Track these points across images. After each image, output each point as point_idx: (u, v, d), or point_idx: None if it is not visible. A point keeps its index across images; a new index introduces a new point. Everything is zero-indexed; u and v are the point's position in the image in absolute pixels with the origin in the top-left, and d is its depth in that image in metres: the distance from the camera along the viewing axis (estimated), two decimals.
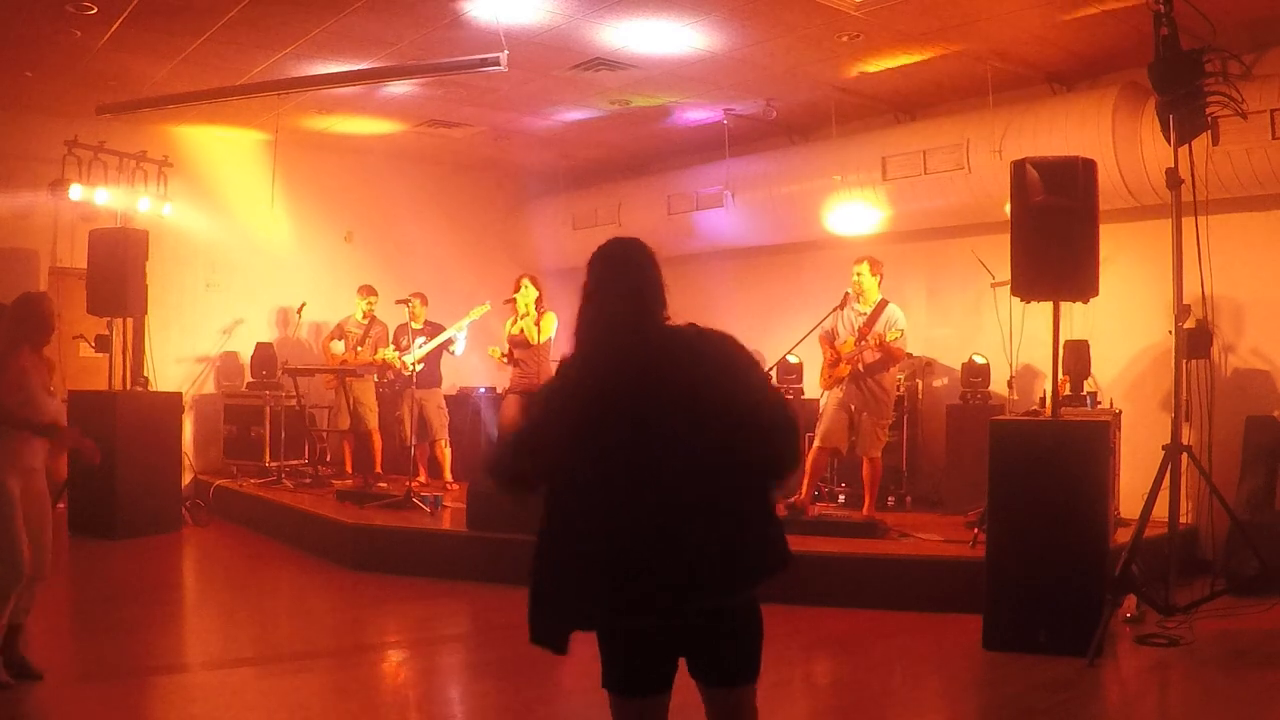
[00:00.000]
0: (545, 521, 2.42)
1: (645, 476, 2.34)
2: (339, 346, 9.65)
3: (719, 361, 2.46)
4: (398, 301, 8.96)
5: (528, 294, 8.31)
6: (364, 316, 9.70)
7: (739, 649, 2.49)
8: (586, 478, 2.37)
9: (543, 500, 2.44)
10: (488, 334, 9.28)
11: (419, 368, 8.92)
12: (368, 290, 9.72)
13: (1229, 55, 5.28)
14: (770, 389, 2.60)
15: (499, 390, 10.56)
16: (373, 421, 9.51)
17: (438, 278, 10.23)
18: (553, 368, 2.62)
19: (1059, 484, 5.22)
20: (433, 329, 9.22)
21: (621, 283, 2.50)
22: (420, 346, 8.96)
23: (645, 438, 2.35)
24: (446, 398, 9.72)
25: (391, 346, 9.34)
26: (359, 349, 9.58)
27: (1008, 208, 5.63)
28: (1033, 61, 7.71)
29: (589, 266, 2.55)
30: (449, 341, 9.09)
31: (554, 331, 8.30)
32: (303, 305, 10.09)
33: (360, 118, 9.71)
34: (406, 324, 9.12)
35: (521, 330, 8.30)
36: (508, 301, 8.40)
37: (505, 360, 8.51)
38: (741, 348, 2.52)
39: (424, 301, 9.37)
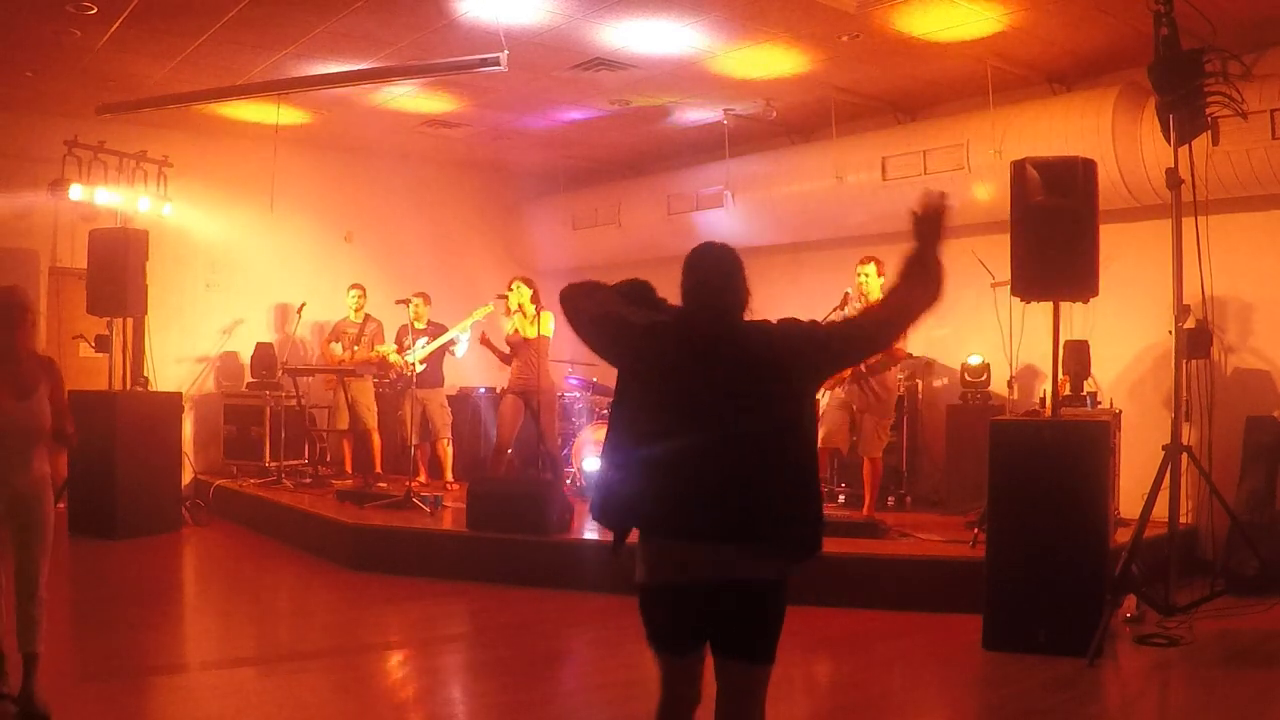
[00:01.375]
0: (628, 442, 2.71)
1: (727, 434, 2.61)
2: (338, 349, 9.66)
3: (787, 346, 2.72)
4: (398, 301, 8.96)
5: (520, 293, 8.33)
6: (356, 314, 9.71)
7: (765, 628, 2.67)
8: (670, 425, 2.64)
9: (624, 425, 2.75)
10: (491, 334, 9.26)
11: (421, 368, 8.93)
12: (356, 287, 9.76)
13: (1229, 55, 5.27)
14: (833, 326, 3.06)
15: (499, 390, 10.56)
16: (372, 421, 9.51)
17: (438, 278, 10.22)
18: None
19: (1059, 484, 5.22)
20: (435, 329, 9.22)
21: (717, 278, 2.81)
22: (422, 346, 8.97)
23: (731, 405, 2.63)
24: (447, 397, 9.72)
25: (393, 346, 9.33)
26: (355, 348, 9.59)
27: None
28: (1033, 61, 7.71)
29: (687, 264, 2.84)
30: (451, 343, 9.09)
31: (552, 330, 8.31)
32: (303, 305, 10.09)
33: (360, 117, 9.70)
34: (409, 324, 9.12)
35: (516, 329, 8.33)
36: (500, 297, 8.43)
37: (501, 360, 8.60)
38: (798, 324, 2.79)
39: (427, 301, 9.37)
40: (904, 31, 7.05)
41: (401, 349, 9.16)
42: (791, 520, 2.66)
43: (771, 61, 7.84)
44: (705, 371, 2.66)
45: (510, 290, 8.36)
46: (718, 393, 2.64)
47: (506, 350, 8.52)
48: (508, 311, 8.41)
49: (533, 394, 8.23)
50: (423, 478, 9.30)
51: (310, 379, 10.05)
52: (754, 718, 2.67)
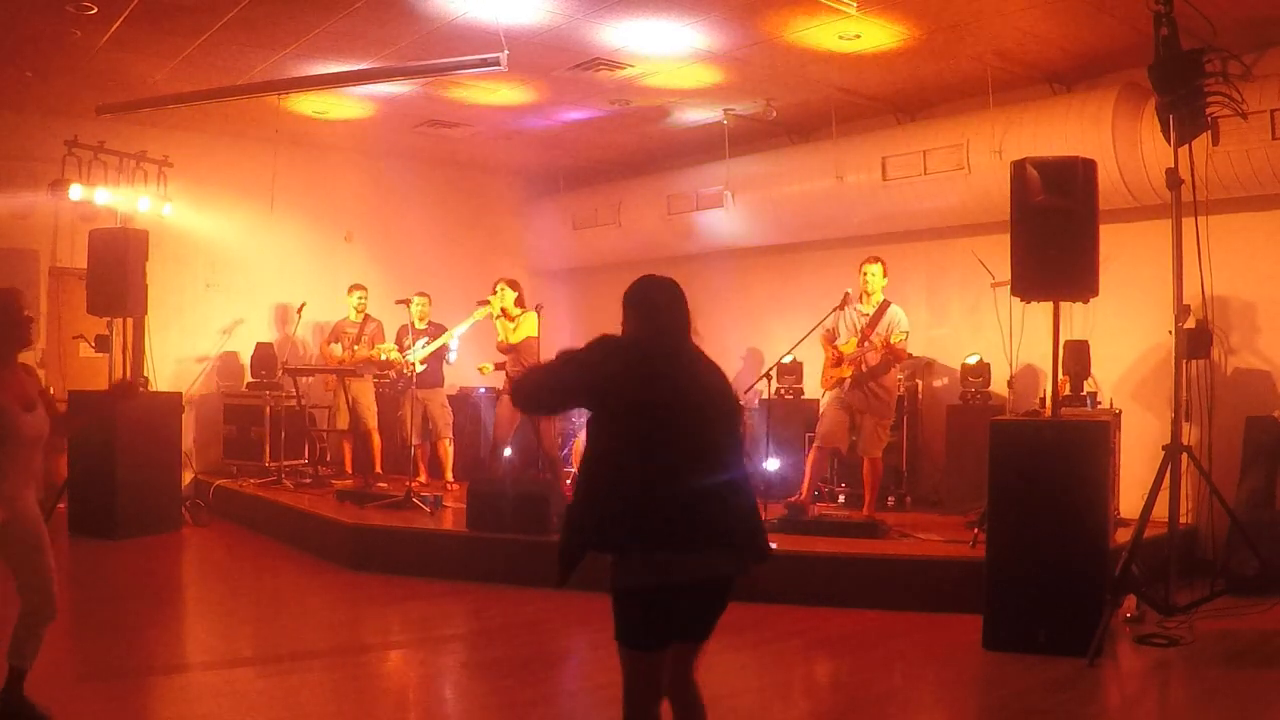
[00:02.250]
0: (603, 465, 2.94)
1: (701, 450, 2.96)
2: (337, 349, 9.66)
3: (722, 381, 3.19)
4: (398, 302, 8.95)
5: (504, 297, 8.34)
6: (357, 314, 9.71)
7: (717, 614, 3.06)
8: (652, 441, 2.90)
9: (599, 448, 2.97)
10: (492, 335, 9.25)
11: (422, 368, 8.92)
12: (357, 288, 9.77)
13: (1229, 55, 5.28)
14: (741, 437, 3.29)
15: (500, 390, 10.55)
16: (372, 421, 9.51)
17: (438, 278, 10.22)
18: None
19: (1059, 484, 5.22)
20: (436, 329, 9.21)
21: (675, 309, 3.14)
22: (422, 346, 8.96)
23: (698, 424, 2.96)
24: (447, 397, 9.71)
25: (393, 345, 9.33)
26: (355, 348, 9.59)
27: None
28: (1033, 61, 7.71)
29: (645, 292, 3.15)
30: (445, 348, 9.08)
31: (536, 329, 8.32)
32: (303, 305, 10.09)
33: (360, 116, 9.70)
34: (410, 324, 9.11)
35: (500, 333, 8.39)
36: (483, 303, 8.47)
37: (497, 368, 8.69)
38: (732, 389, 3.29)
39: (428, 301, 9.36)
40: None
41: (402, 349, 9.15)
42: (759, 528, 3.09)
43: (771, 61, 7.84)
44: (679, 391, 2.98)
45: (494, 294, 8.36)
46: (693, 411, 2.97)
47: (500, 361, 8.56)
48: (493, 316, 8.42)
49: None
50: (423, 478, 9.29)
51: (310, 379, 10.05)
52: (693, 678, 3.15)
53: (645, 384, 2.94)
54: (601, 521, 2.93)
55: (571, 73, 8.13)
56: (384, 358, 9.40)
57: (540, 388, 3.22)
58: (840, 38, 7.20)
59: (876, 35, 7.14)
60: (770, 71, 8.09)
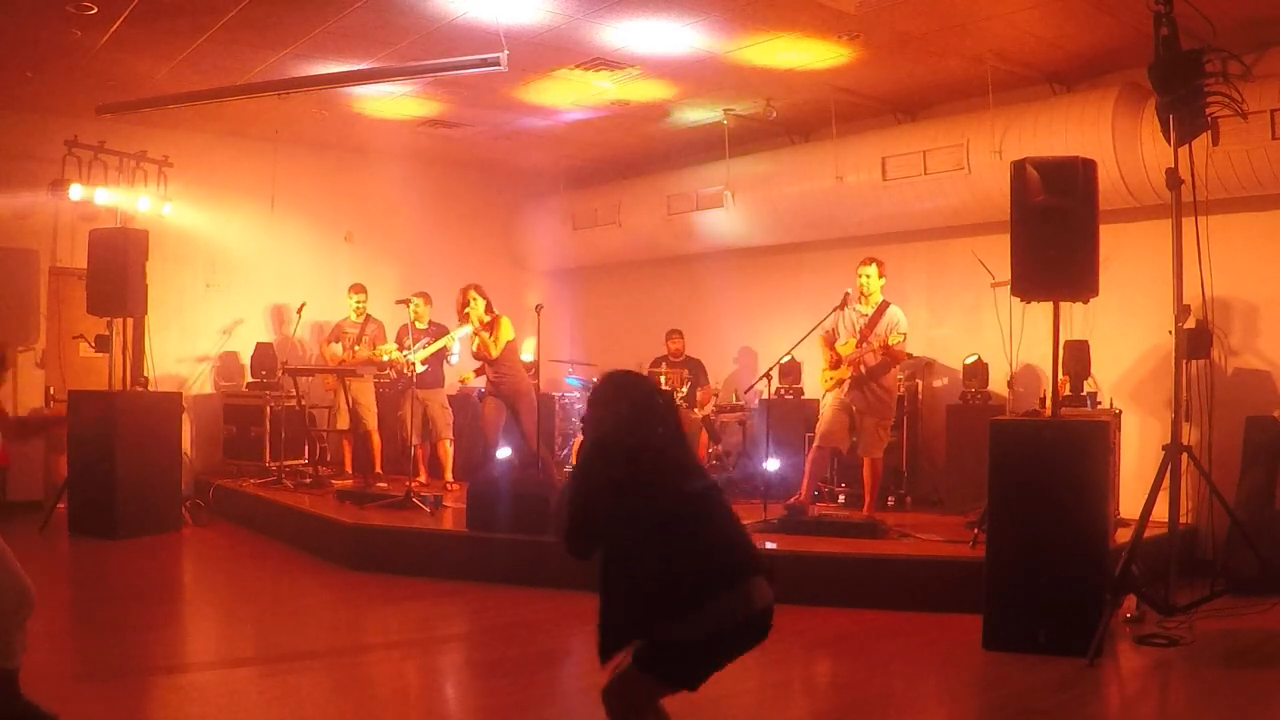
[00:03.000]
0: (648, 565, 2.92)
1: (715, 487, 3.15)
2: (337, 349, 9.65)
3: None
4: (398, 302, 8.95)
5: (475, 306, 8.34)
6: (358, 315, 9.71)
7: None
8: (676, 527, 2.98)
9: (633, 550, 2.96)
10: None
11: (422, 369, 8.92)
12: (358, 289, 9.76)
13: (1229, 55, 5.27)
14: None
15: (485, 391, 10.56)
16: (372, 422, 9.51)
17: (437, 278, 10.20)
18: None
19: (1059, 484, 5.22)
20: (437, 329, 9.21)
21: (649, 410, 3.22)
22: (422, 347, 8.96)
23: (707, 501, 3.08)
24: (447, 397, 9.71)
25: (394, 345, 9.31)
26: (356, 348, 9.59)
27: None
28: (1033, 61, 7.71)
29: (619, 393, 3.23)
30: (445, 350, 9.07)
31: (512, 333, 8.36)
32: (303, 305, 10.09)
33: (360, 115, 9.71)
34: (410, 324, 9.11)
35: (479, 346, 8.36)
36: (463, 318, 8.45)
37: (477, 374, 8.74)
38: None
39: (427, 301, 9.34)
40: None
41: (402, 349, 9.14)
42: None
43: (771, 61, 7.84)
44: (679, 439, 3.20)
45: (468, 306, 8.34)
46: (691, 455, 3.24)
47: (478, 367, 8.61)
48: (474, 326, 8.38)
49: (510, 398, 8.26)
50: (423, 478, 9.29)
51: (310, 379, 10.05)
52: None
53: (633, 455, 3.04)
54: (644, 613, 2.92)
55: (571, 73, 8.12)
56: (385, 358, 9.39)
57: (577, 509, 3.07)
58: (841, 37, 7.20)
59: (877, 35, 7.14)
60: (770, 72, 8.09)
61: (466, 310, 8.38)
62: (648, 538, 2.94)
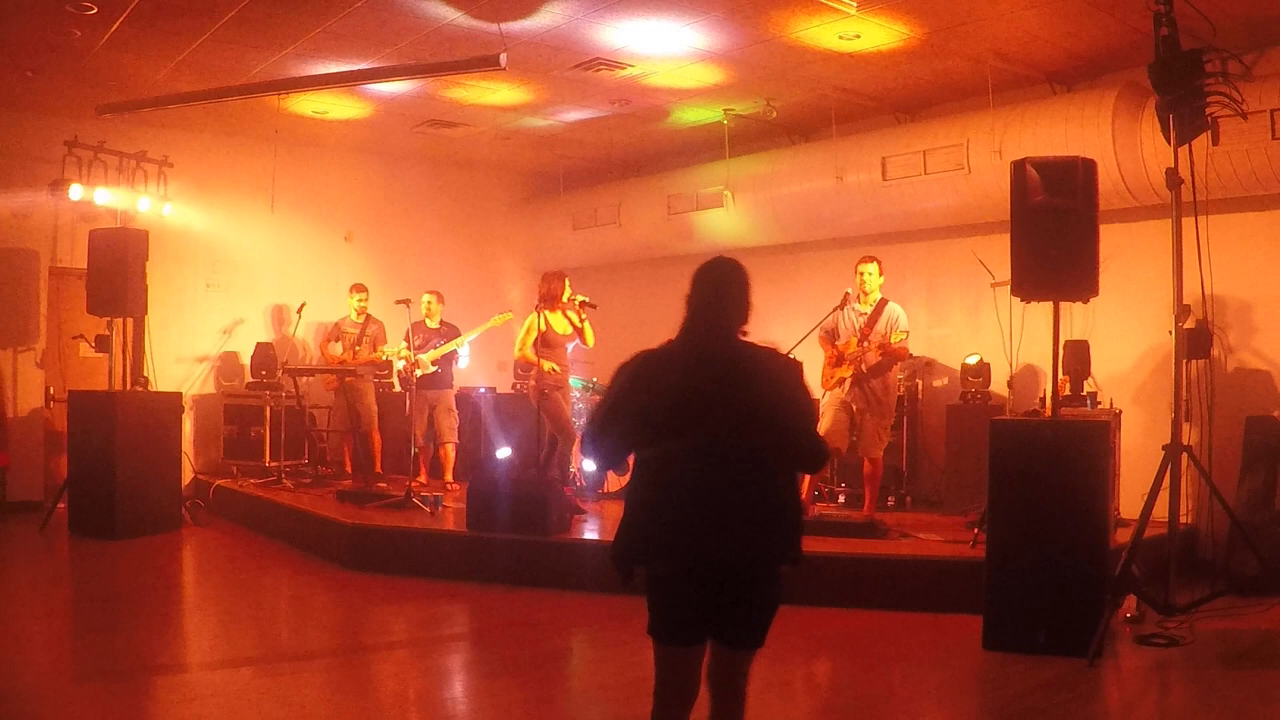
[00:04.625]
0: (639, 479, 2.93)
1: (720, 456, 2.86)
2: (337, 349, 9.65)
3: (775, 381, 2.97)
4: (398, 302, 8.92)
5: (566, 293, 8.10)
6: (358, 315, 9.71)
7: (757, 618, 2.96)
8: (674, 450, 2.87)
9: (635, 463, 2.96)
10: (501, 342, 9.19)
11: (433, 369, 8.90)
12: (358, 288, 9.75)
13: (1229, 55, 5.27)
14: (808, 419, 3.19)
15: (510, 389, 10.52)
16: (372, 421, 9.51)
17: (438, 278, 10.22)
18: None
19: (1059, 484, 5.22)
20: (449, 330, 9.18)
21: (715, 299, 3.00)
22: (434, 348, 8.94)
23: (722, 428, 2.85)
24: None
25: (404, 344, 9.13)
26: (356, 349, 9.58)
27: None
28: (1033, 61, 7.71)
29: (695, 279, 3.01)
30: (454, 353, 9.03)
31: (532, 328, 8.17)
32: (303, 305, 10.09)
33: (360, 116, 9.71)
34: (421, 321, 9.08)
35: (572, 334, 8.08)
36: (587, 305, 8.08)
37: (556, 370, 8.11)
38: (795, 375, 3.05)
39: (439, 299, 9.30)
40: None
41: (410, 346, 9.06)
42: (786, 532, 3.06)
43: (771, 61, 7.84)
44: (702, 399, 2.88)
45: (563, 291, 8.09)
46: (718, 417, 2.89)
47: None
48: (563, 312, 8.08)
49: (553, 392, 8.15)
50: (423, 478, 9.29)
51: (310, 379, 10.05)
52: (735, 690, 3.06)
53: (646, 388, 2.90)
54: (627, 527, 2.96)
55: (571, 73, 8.13)
56: (386, 359, 9.38)
57: (603, 433, 3.01)
58: (840, 38, 7.20)
59: (876, 35, 7.14)
60: (770, 71, 8.09)
61: (570, 298, 8.02)
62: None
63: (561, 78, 8.28)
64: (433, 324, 9.17)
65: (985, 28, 6.99)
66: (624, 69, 8.02)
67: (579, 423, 8.50)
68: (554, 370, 7.99)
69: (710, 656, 2.97)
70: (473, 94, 8.85)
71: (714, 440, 2.84)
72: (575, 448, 8.42)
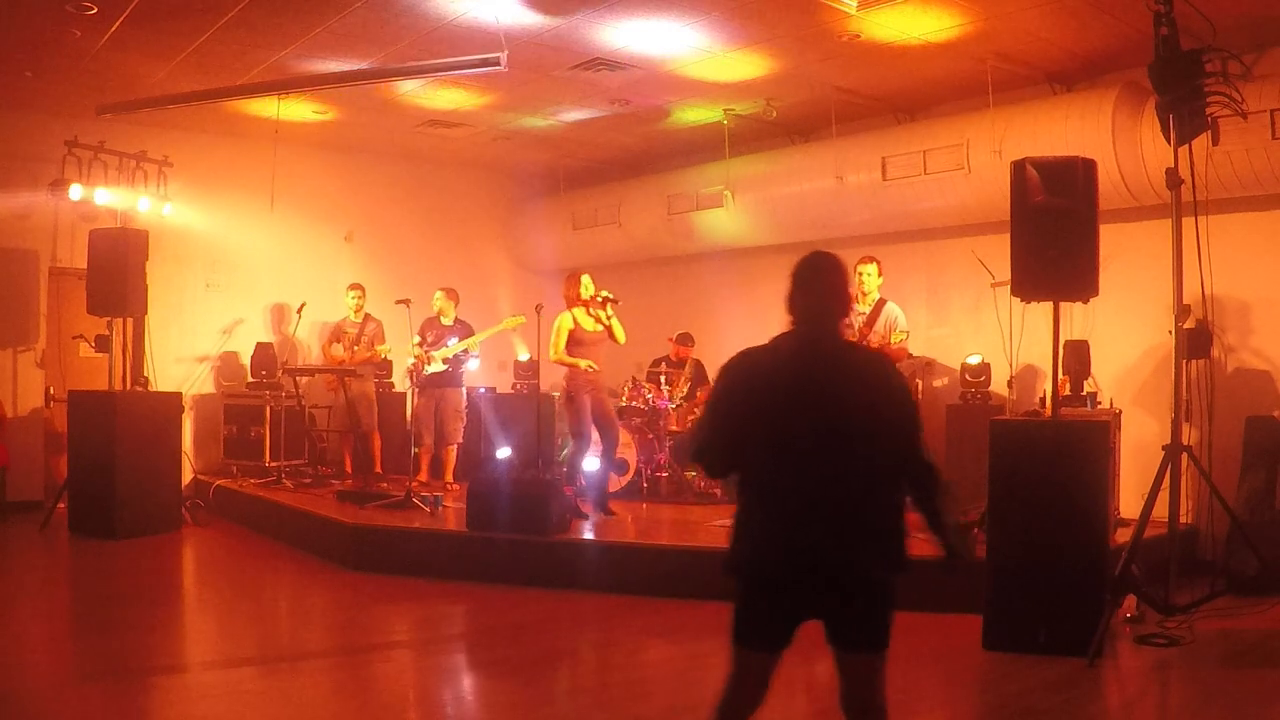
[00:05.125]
0: (748, 487, 2.92)
1: (823, 468, 2.86)
2: (339, 349, 9.65)
3: (880, 387, 3.00)
4: (398, 302, 8.89)
5: (587, 289, 7.78)
6: (355, 313, 9.71)
7: (872, 616, 3.05)
8: (776, 461, 2.86)
9: (742, 472, 2.93)
10: (506, 344, 9.16)
11: (444, 368, 8.90)
12: (355, 287, 9.77)
13: (1229, 55, 5.27)
14: (916, 433, 3.19)
15: (506, 389, 10.51)
16: (372, 422, 9.50)
17: (438, 278, 10.21)
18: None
19: (1059, 484, 5.22)
20: (463, 327, 9.16)
21: (812, 297, 2.95)
22: (447, 344, 8.93)
23: (824, 435, 2.85)
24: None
25: (415, 341, 9.00)
26: (355, 348, 9.58)
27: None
28: (1033, 61, 7.71)
29: (796, 276, 2.97)
30: (466, 353, 9.00)
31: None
32: (303, 305, 10.09)
33: (359, 116, 9.71)
34: (435, 318, 9.07)
35: (606, 332, 7.74)
36: (610, 301, 7.79)
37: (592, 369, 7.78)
38: (903, 382, 3.06)
39: (450, 296, 9.20)
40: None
41: (424, 342, 8.99)
42: (892, 541, 3.23)
43: (771, 61, 7.83)
44: (804, 406, 2.87)
45: (582, 288, 7.76)
46: (819, 424, 2.88)
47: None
48: (588, 309, 7.78)
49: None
50: (424, 477, 9.28)
51: (310, 379, 10.05)
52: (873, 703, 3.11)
53: (750, 393, 2.89)
54: (739, 536, 2.96)
55: (571, 73, 8.13)
56: (384, 357, 9.37)
57: (706, 441, 2.98)
58: (840, 37, 7.20)
59: (876, 35, 7.14)
60: (770, 71, 8.08)
61: (592, 296, 7.69)
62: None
63: (561, 78, 8.28)
64: (447, 321, 9.14)
65: (985, 27, 6.96)
66: (624, 69, 7.99)
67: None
68: (592, 368, 7.70)
69: (840, 680, 3.01)
70: (473, 94, 8.84)
71: (821, 448, 2.84)
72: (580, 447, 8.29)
